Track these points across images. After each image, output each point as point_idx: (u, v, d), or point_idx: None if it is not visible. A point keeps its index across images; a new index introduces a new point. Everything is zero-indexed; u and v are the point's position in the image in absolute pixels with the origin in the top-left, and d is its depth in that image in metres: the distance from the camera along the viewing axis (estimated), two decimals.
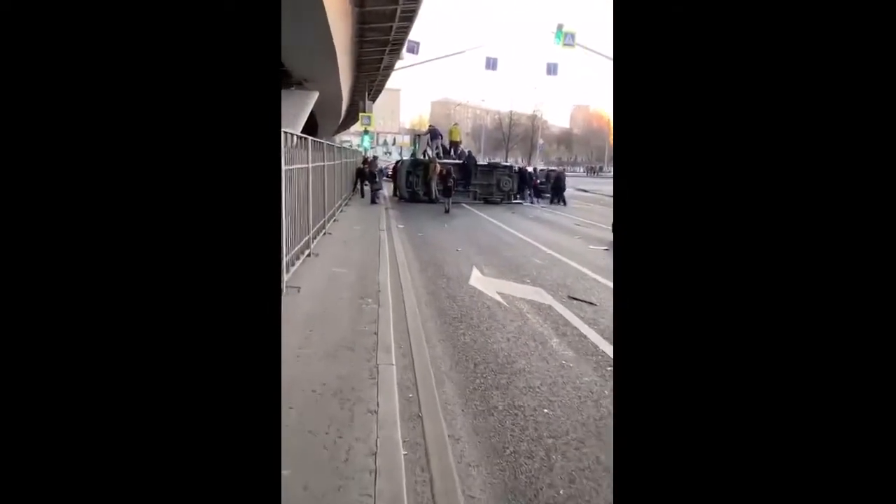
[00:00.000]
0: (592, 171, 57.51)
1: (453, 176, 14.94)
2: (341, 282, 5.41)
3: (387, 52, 22.23)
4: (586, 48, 19.18)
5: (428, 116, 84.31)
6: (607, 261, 8.08)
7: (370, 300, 4.76)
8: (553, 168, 21.27)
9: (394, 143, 75.77)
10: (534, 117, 63.36)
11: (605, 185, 31.05)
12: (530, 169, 19.52)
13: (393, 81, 39.82)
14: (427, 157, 17.58)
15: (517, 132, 65.10)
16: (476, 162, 17.88)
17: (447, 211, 13.81)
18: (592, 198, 23.12)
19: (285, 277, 4.89)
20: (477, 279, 6.30)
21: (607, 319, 4.90)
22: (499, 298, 5.44)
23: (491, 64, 20.16)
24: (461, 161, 17.23)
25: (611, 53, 1.23)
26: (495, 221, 12.46)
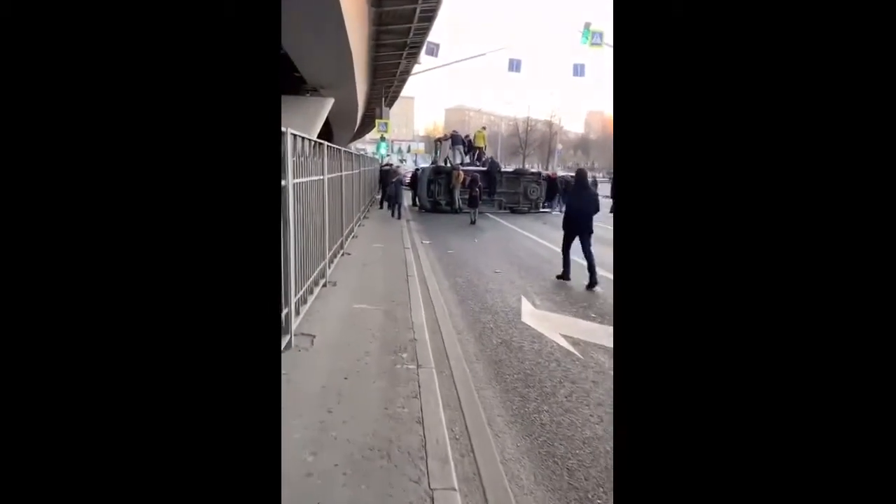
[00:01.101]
0: (610, 175, 55.95)
1: (479, 184, 13.75)
2: (365, 324, 4.25)
3: (404, 55, 21.19)
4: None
5: (443, 123, 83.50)
6: None
7: (405, 356, 3.59)
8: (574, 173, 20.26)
9: (408, 151, 75.02)
10: (550, 123, 62.22)
11: None
12: (560, 174, 18.20)
13: (407, 89, 39.06)
14: (449, 165, 16.45)
15: (534, 138, 64.15)
16: (500, 169, 16.66)
17: (473, 222, 12.64)
18: None
19: (295, 322, 3.74)
20: (530, 315, 5.10)
21: None
22: (567, 345, 4.23)
23: (514, 66, 18.92)
24: (485, 168, 16.03)
25: None
26: (528, 234, 11.28)
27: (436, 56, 18.10)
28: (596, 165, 74.51)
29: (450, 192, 14.77)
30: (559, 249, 6.86)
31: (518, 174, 16.62)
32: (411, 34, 18.30)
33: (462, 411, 3.00)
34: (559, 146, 59.74)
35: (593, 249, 6.45)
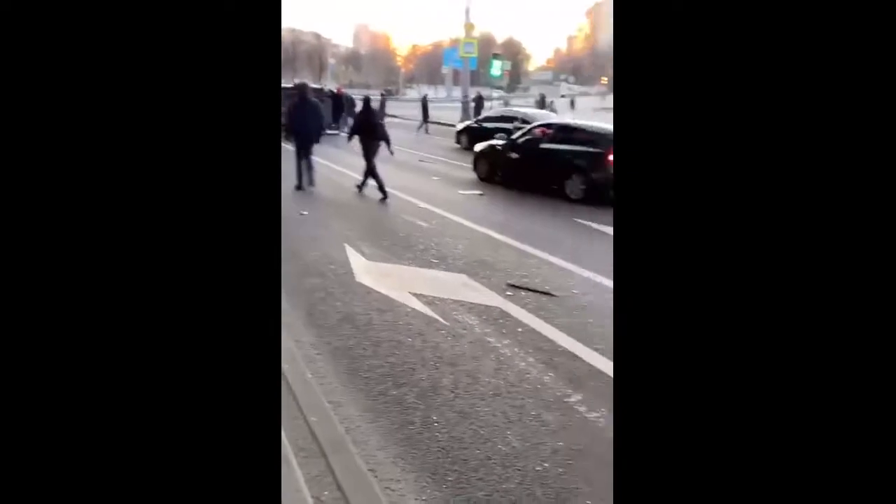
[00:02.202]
0: (389, 93, 55.19)
1: None
2: None
3: None
4: None
5: None
6: (493, 212, 6.53)
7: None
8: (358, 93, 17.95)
9: None
10: (318, 35, 57.89)
11: (408, 110, 29.52)
12: (355, 95, 16.45)
13: None
14: None
15: (300, 50, 59.21)
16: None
17: None
18: (407, 125, 21.39)
19: None
20: (363, 270, 4.12)
21: (593, 319, 3.32)
22: (424, 308, 3.42)
23: None
24: None
25: None
26: (325, 162, 9.92)
27: None
28: (370, 82, 72.60)
29: None
30: (359, 175, 6.02)
31: (299, 90, 14.30)
32: None
33: (324, 455, 1.97)
34: (331, 60, 56.16)
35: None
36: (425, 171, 9.58)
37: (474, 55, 19.25)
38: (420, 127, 17.46)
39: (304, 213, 5.95)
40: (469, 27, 18.69)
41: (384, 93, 18.11)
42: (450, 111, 27.25)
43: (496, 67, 26.12)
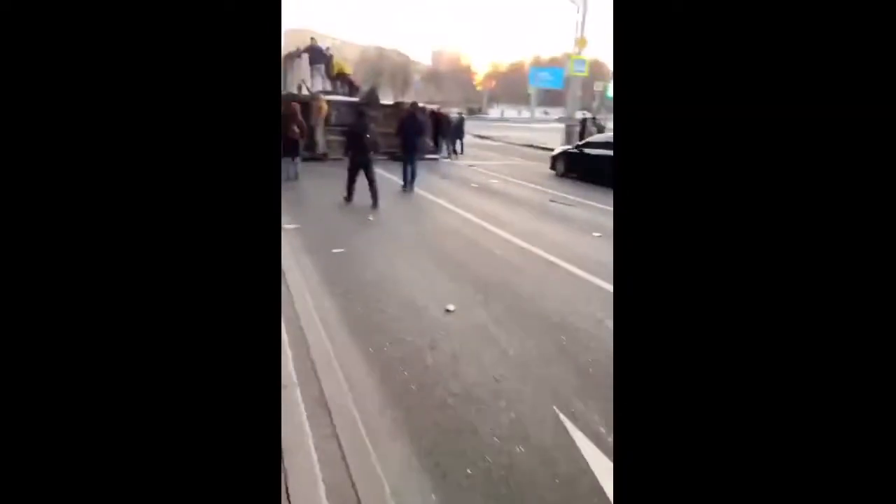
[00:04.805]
0: (472, 112, 54.12)
1: (302, 122, 9.41)
2: None
3: None
4: None
5: (282, 49, 73.27)
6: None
7: None
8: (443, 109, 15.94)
9: None
10: (405, 56, 58.41)
11: (498, 130, 27.84)
12: (454, 114, 14.83)
13: None
14: (307, 92, 12.31)
15: (385, 66, 59.76)
16: (379, 100, 12.90)
17: (294, 176, 8.98)
18: (502, 147, 19.66)
19: None
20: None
21: None
22: None
23: None
24: (360, 100, 12.15)
25: None
26: (431, 196, 8.26)
27: None
28: (451, 100, 72.26)
29: (310, 131, 10.83)
30: (500, 232, 4.83)
31: (400, 108, 12.75)
32: None
33: None
34: (416, 77, 56.02)
35: None
36: (552, 212, 7.63)
37: (585, 74, 17.25)
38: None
39: (451, 308, 4.17)
40: (582, 42, 16.72)
41: (461, 112, 16.25)
42: (538, 133, 25.44)
43: (608, 89, 24.62)
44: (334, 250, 5.06)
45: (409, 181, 8.68)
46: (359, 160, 7.33)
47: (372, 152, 7.37)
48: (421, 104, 12.00)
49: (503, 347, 3.21)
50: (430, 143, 12.71)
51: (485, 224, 6.48)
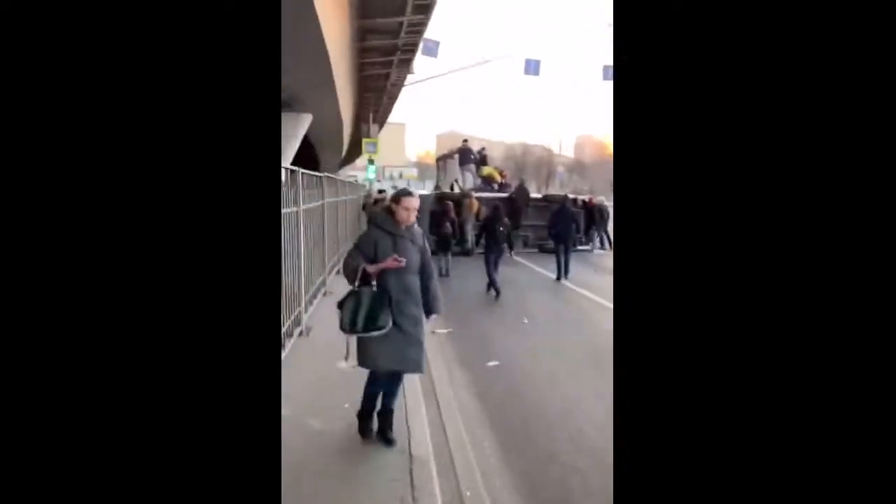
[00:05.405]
0: None
1: (452, 217, 9.56)
2: None
3: (395, 62, 17.75)
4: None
5: (434, 150, 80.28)
6: None
7: None
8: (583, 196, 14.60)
9: (400, 177, 71.67)
10: (548, 149, 60.49)
11: None
12: (605, 202, 14.11)
13: (396, 115, 35.83)
14: (458, 190, 12.70)
15: (528, 161, 61.85)
16: (528, 195, 12.81)
17: (444, 273, 8.65)
18: None
19: None
20: None
21: None
22: None
23: (532, 68, 15.39)
24: (509, 195, 12.16)
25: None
26: (588, 293, 7.50)
27: (435, 56, 14.46)
28: (593, 189, 71.41)
29: (461, 228, 10.92)
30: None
31: (550, 202, 12.08)
32: (403, 31, 14.82)
33: None
34: (560, 169, 56.74)
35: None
36: None
37: None
38: None
39: None
40: None
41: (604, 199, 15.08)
42: None
43: None
44: (489, 364, 4.53)
45: (562, 274, 8.56)
46: (492, 253, 7.34)
47: (505, 245, 7.37)
48: (572, 195, 11.57)
49: None
50: (581, 235, 12.05)
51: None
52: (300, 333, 4.49)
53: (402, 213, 2.68)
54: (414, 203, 2.71)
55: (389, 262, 2.59)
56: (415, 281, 2.76)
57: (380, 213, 2.84)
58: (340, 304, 2.64)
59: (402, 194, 2.76)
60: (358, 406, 2.84)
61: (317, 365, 3.85)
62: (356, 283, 2.61)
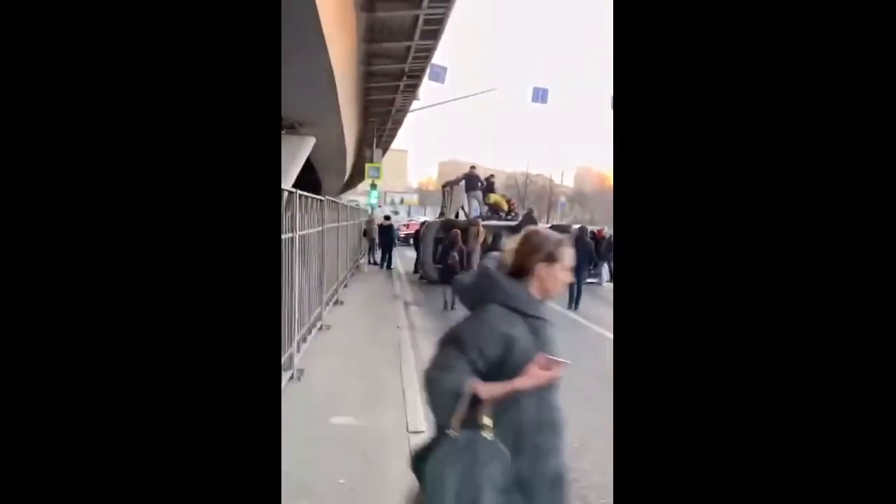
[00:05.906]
0: None
1: (462, 247, 9.10)
2: None
3: (401, 87, 17.60)
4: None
5: (437, 178, 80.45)
6: None
7: None
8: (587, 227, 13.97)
9: (401, 203, 71.63)
10: (549, 179, 60.95)
11: None
12: (605, 232, 13.74)
13: (399, 142, 35.79)
14: (464, 217, 12.29)
15: (531, 190, 62.32)
16: (537, 224, 12.40)
17: (449, 307, 8.08)
18: None
19: None
20: None
21: None
22: None
23: (540, 96, 15.21)
24: (517, 223, 11.74)
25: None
26: (603, 331, 7.00)
27: (442, 82, 14.27)
28: (594, 218, 71.51)
29: (468, 257, 10.46)
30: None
31: (560, 231, 11.93)
32: (410, 56, 14.66)
33: None
34: (562, 198, 56.79)
35: None
36: None
37: None
38: None
39: None
40: None
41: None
42: None
43: None
44: None
45: (574, 302, 8.63)
46: None
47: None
48: (576, 226, 11.22)
49: None
50: (593, 267, 11.59)
51: None
52: (291, 377, 3.96)
53: (553, 281, 1.44)
54: (570, 261, 1.48)
55: (540, 372, 1.29)
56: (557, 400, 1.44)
57: (494, 278, 1.43)
58: (417, 470, 1.39)
59: (554, 246, 1.44)
60: (359, 480, 2.30)
61: (309, 419, 3.31)
62: (455, 422, 1.27)
